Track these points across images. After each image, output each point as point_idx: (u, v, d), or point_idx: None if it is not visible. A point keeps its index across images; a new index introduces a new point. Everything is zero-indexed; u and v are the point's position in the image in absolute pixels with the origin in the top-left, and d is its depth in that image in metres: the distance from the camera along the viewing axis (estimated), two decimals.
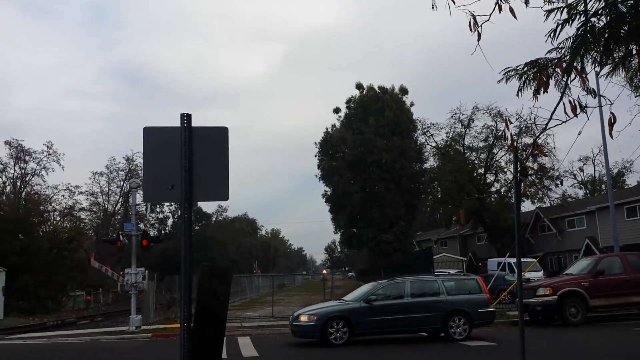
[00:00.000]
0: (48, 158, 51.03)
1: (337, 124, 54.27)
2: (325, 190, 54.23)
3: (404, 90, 53.83)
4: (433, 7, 5.00)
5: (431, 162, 54.85)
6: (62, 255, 35.55)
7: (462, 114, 50.77)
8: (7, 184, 49.70)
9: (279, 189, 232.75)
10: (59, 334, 20.34)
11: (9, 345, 17.20)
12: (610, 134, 5.17)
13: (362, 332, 14.32)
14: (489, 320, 15.33)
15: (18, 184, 50.76)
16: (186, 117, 4.88)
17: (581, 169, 68.17)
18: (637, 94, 6.02)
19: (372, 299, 14.64)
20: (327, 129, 54.50)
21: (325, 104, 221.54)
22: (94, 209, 59.56)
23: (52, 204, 50.74)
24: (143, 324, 20.62)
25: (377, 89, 53.10)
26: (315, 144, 54.55)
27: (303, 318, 14.55)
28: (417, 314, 14.50)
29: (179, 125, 4.87)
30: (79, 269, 38.00)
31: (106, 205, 60.99)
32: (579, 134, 6.60)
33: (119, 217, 59.29)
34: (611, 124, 5.05)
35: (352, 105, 53.47)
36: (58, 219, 49.30)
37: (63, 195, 53.38)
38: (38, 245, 34.12)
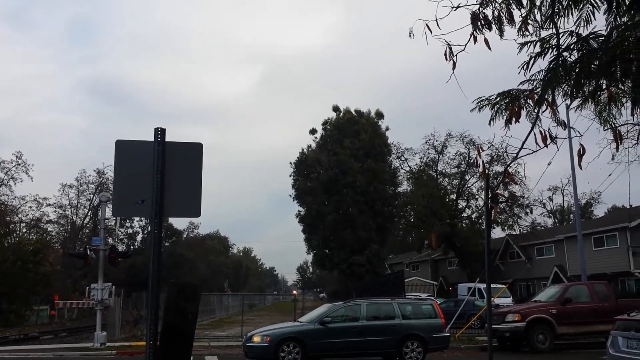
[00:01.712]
0: (17, 168, 49.87)
1: (313, 145, 54.54)
2: (299, 210, 54.17)
3: (379, 115, 54.51)
4: (410, 35, 5.10)
5: (404, 186, 55.38)
6: (26, 268, 34.61)
7: (436, 140, 51.49)
8: None
9: (252, 208, 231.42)
10: (21, 348, 19.79)
11: None
12: (580, 165, 5.30)
13: (316, 354, 14.21)
14: (444, 345, 15.43)
15: None
16: (160, 132, 4.83)
17: (550, 199, 69.55)
18: (606, 128, 6.19)
19: (327, 321, 14.59)
20: (302, 149, 54.71)
21: (301, 125, 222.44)
22: (62, 222, 58.24)
23: (19, 215, 49.45)
24: (108, 341, 20.16)
25: (353, 112, 53.67)
26: (291, 163, 54.65)
27: (256, 339, 14.40)
28: (372, 337, 14.48)
29: (152, 139, 4.82)
30: (43, 283, 36.99)
31: (74, 218, 59.75)
32: (548, 164, 6.76)
33: (87, 230, 58.07)
34: (580, 155, 5.17)
35: (328, 127, 53.88)
36: (24, 230, 48.02)
37: (30, 207, 52.11)
38: (2, 256, 33.18)
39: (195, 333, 4.25)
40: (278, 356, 13.83)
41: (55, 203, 56.04)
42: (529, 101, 5.24)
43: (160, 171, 4.73)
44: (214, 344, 20.04)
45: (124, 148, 4.90)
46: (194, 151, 4.97)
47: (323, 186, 50.64)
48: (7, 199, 49.44)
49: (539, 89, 5.07)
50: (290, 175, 54.64)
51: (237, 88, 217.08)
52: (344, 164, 49.37)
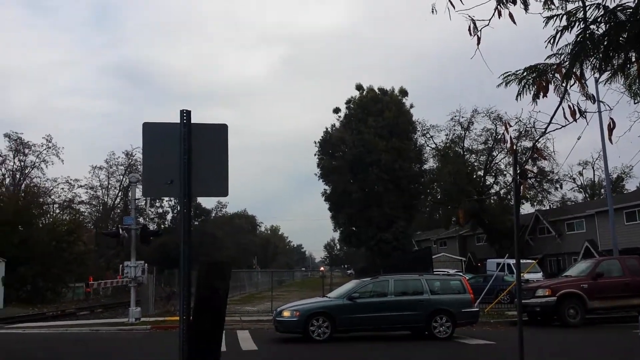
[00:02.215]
0: (47, 151, 51.07)
1: (337, 124, 54.42)
2: (324, 189, 54.38)
3: (403, 92, 53.95)
4: (433, 11, 5.05)
5: (430, 164, 54.95)
6: (61, 247, 35.63)
7: (462, 117, 50.78)
8: (6, 176, 49.78)
9: (279, 187, 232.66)
10: (58, 324, 20.47)
11: (8, 334, 17.31)
12: (610, 139, 5.21)
13: (345, 328, 14.44)
14: (473, 320, 15.49)
15: (17, 176, 50.82)
16: (185, 114, 4.92)
17: (580, 173, 68.15)
18: (636, 101, 6.05)
19: (355, 297, 14.76)
20: (326, 128, 54.69)
21: (325, 104, 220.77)
22: (94, 203, 59.58)
23: (52, 197, 50.78)
24: (142, 316, 20.72)
25: (377, 91, 53.23)
26: (315, 143, 54.71)
27: (286, 313, 14.68)
28: (400, 312, 14.61)
29: (178, 121, 4.91)
30: (77, 262, 38.07)
31: (105, 199, 61.03)
32: (578, 139, 6.65)
33: (119, 210, 59.27)
34: (610, 129, 5.09)
35: (352, 105, 53.60)
36: (57, 211, 49.33)
37: (62, 188, 53.44)
38: (37, 237, 34.21)
39: (226, 308, 4.38)
40: (308, 330, 14.07)
41: (86, 184, 57.36)
42: (557, 75, 5.15)
43: (187, 152, 4.84)
44: (245, 319, 20.46)
45: (151, 130, 5.01)
46: (219, 132, 5.06)
47: (348, 165, 50.61)
48: (40, 181, 50.85)
49: (567, 63, 4.98)
50: (315, 155, 54.79)
51: (259, 69, 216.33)
52: (369, 143, 49.18)
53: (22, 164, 50.94)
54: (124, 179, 57.37)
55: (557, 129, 5.16)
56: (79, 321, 22.31)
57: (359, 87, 54.02)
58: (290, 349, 13.47)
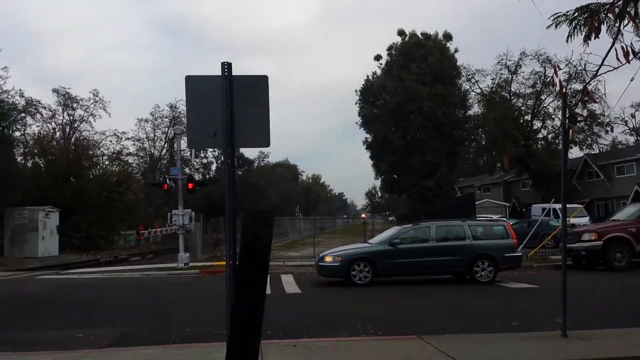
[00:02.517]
0: (94, 105, 52.17)
1: (378, 72, 53.45)
2: (366, 137, 54.06)
3: (447, 37, 52.21)
4: None
5: (475, 109, 53.58)
6: (111, 197, 36.93)
7: (509, 60, 48.89)
8: (56, 130, 51.34)
9: (320, 136, 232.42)
10: (111, 269, 21.49)
11: (65, 279, 18.37)
12: None
13: (385, 273, 14.69)
14: (515, 264, 15.50)
15: (67, 130, 52.36)
16: (227, 66, 4.97)
17: (633, 116, 65.05)
18: None
19: (396, 242, 14.92)
20: (367, 76, 53.80)
21: (365, 52, 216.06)
22: (141, 154, 61.04)
23: (101, 149, 52.22)
24: (191, 262, 21.56)
25: (419, 36, 51.71)
26: (356, 91, 54.02)
27: (328, 259, 14.99)
28: (442, 257, 14.72)
29: (219, 74, 4.97)
30: (128, 211, 39.52)
31: (152, 151, 62.43)
32: (631, 80, 6.37)
33: (165, 161, 60.64)
34: None
35: (394, 52, 52.35)
36: (107, 163, 50.85)
37: (110, 141, 54.82)
38: (88, 188, 35.48)
39: (270, 254, 4.54)
40: (349, 274, 14.40)
41: (133, 137, 58.65)
42: (610, 15, 4.93)
43: (230, 104, 4.92)
44: (289, 264, 21.03)
45: (193, 84, 5.10)
46: (260, 83, 5.11)
47: (390, 112, 49.97)
48: (89, 134, 52.27)
49: (620, 2, 4.75)
50: (356, 103, 54.23)
51: (299, 17, 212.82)
52: (411, 90, 48.23)
53: (71, 118, 52.38)
54: (169, 130, 58.35)
55: (608, 71, 5.00)
56: (131, 266, 23.37)
57: (400, 33, 52.61)
58: (333, 292, 13.85)
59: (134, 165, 57.48)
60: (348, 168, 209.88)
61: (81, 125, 52.52)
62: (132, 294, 14.58)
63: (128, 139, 57.30)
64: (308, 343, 7.21)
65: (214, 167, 73.04)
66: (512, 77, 49.83)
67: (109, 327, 9.16)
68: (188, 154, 58.93)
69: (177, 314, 10.63)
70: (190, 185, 21.72)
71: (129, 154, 56.66)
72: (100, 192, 35.92)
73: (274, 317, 8.69)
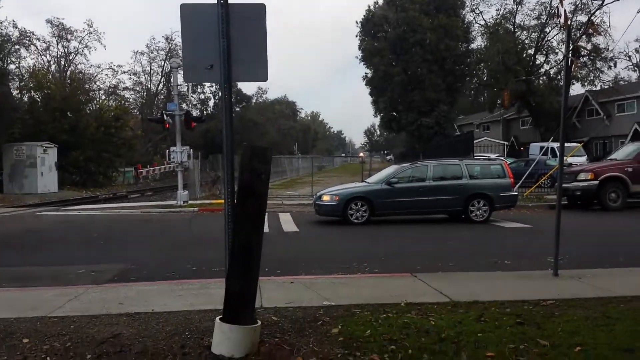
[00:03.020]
0: (89, 37, 50.96)
1: (380, 1, 51.82)
2: (366, 73, 53.24)
3: None
4: None
5: (478, 42, 52.50)
6: (109, 133, 36.67)
7: None
8: (51, 62, 50.37)
9: (319, 72, 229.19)
10: (111, 206, 21.63)
11: (65, 216, 18.51)
12: None
13: (382, 212, 14.82)
14: (511, 203, 15.62)
15: (62, 62, 51.36)
16: None
17: (637, 50, 63.85)
18: None
19: (394, 182, 14.97)
20: (369, 7, 52.29)
21: None
22: (137, 89, 60.25)
23: (97, 83, 51.42)
24: (190, 199, 21.67)
25: None
26: (357, 23, 52.65)
27: (326, 198, 15.07)
28: (438, 197, 14.80)
29: (215, 1, 4.75)
30: (126, 147, 39.38)
31: (149, 85, 61.58)
32: (638, 12, 6.15)
33: (162, 97, 59.96)
34: None
35: None
36: (103, 97, 50.24)
37: (107, 75, 54.56)
38: (85, 123, 35.14)
39: (268, 192, 4.50)
40: (347, 214, 14.53)
41: (129, 70, 57.97)
42: None
43: (226, 35, 4.73)
44: (287, 202, 21.17)
45: (189, 12, 4.88)
46: (257, 13, 4.88)
47: (391, 46, 48.91)
48: (84, 67, 51.33)
49: None
50: (356, 36, 53.06)
51: None
52: (413, 21, 46.99)
53: (66, 50, 51.21)
54: (166, 64, 57.37)
55: (615, 0, 4.78)
56: (130, 203, 23.50)
57: None
58: (330, 230, 13.98)
59: (130, 100, 56.90)
60: (347, 105, 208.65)
61: (76, 57, 51.52)
62: (132, 231, 14.73)
63: (124, 72, 56.92)
64: (305, 280, 7.33)
65: (211, 103, 72.47)
66: (517, 7, 48.64)
67: (110, 263, 9.27)
68: (185, 89, 58.24)
69: (176, 251, 10.76)
70: (189, 123, 21.49)
71: (125, 88, 55.95)
72: (98, 128, 35.64)
73: (272, 254, 8.79)
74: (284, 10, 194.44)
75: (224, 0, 4.71)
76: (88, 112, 38.39)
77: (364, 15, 51.97)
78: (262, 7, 4.90)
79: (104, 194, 29.96)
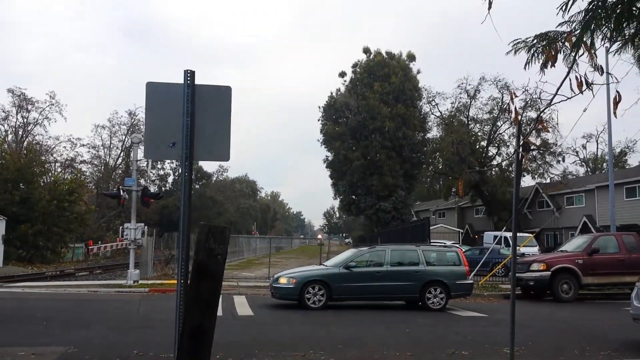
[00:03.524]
0: (50, 108, 50.69)
1: (342, 89, 53.86)
2: (326, 155, 54.23)
3: (411, 57, 53.21)
4: None
5: (434, 132, 54.69)
6: (62, 206, 35.67)
7: (469, 85, 50.44)
8: (9, 132, 49.61)
9: (281, 152, 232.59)
10: (57, 284, 20.63)
11: (8, 293, 17.48)
12: (615, 113, 5.14)
13: (340, 297, 14.60)
14: (466, 292, 15.63)
15: (20, 132, 50.61)
16: (189, 74, 4.83)
17: (584, 147, 67.93)
18: None
19: (352, 265, 14.87)
20: (331, 93, 54.12)
21: (330, 67, 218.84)
22: (95, 162, 59.48)
23: (54, 155, 50.68)
24: (141, 279, 20.90)
25: (384, 54, 52.46)
26: (319, 107, 54.25)
27: (283, 280, 14.79)
28: (396, 282, 14.74)
29: (182, 82, 4.82)
30: (78, 222, 38.21)
31: (107, 159, 60.92)
32: (584, 111, 6.55)
33: (120, 171, 59.23)
34: (616, 103, 5.01)
35: (358, 69, 52.93)
36: (59, 170, 49.27)
37: (64, 147, 53.40)
38: (38, 195, 34.21)
39: (224, 273, 4.37)
40: (303, 297, 14.24)
41: (88, 144, 57.19)
42: (566, 44, 5.04)
43: (190, 114, 4.76)
44: (242, 284, 20.64)
45: (154, 90, 4.92)
46: (223, 94, 4.96)
47: (351, 131, 50.35)
48: (42, 138, 50.69)
49: (577, 32, 4.86)
50: (318, 120, 54.40)
51: (267, 28, 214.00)
52: (373, 109, 48.77)
53: (25, 120, 50.69)
54: (127, 139, 57.10)
55: (562, 100, 5.08)
56: (77, 282, 22.49)
57: (366, 51, 53.29)
58: (286, 315, 13.61)
59: (87, 173, 55.94)
60: (308, 187, 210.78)
61: (35, 128, 50.89)
62: (77, 311, 13.97)
63: (83, 145, 55.92)
64: None
65: (170, 179, 71.89)
66: (470, 101, 51.34)
67: (52, 345, 8.70)
68: (145, 165, 57.81)
69: (123, 334, 10.21)
70: (146, 199, 21.14)
71: (83, 161, 55.20)
72: (51, 201, 34.66)
73: (224, 339, 8.44)
74: (251, 91, 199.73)
75: (190, 81, 4.79)
76: (42, 184, 37.48)
77: (327, 101, 53.72)
78: (228, 89, 5.00)
79: (51, 270, 28.66)
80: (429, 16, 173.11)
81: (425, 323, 12.56)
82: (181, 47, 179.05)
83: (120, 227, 22.44)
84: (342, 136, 50.91)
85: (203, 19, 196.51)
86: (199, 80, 4.86)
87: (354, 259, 15.26)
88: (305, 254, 48.88)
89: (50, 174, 42.61)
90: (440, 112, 53.60)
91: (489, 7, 4.97)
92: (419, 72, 53.25)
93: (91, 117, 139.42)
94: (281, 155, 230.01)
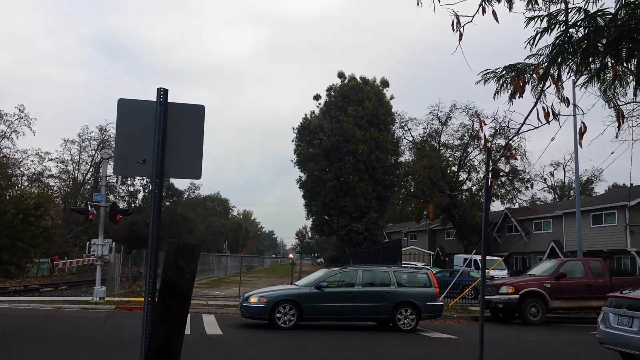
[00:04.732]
0: (19, 122, 49.73)
1: (317, 111, 54.22)
2: (300, 176, 54.27)
3: (385, 83, 54.02)
4: (418, 4, 5.05)
5: (406, 156, 55.38)
6: (27, 221, 34.83)
7: (441, 111, 51.47)
8: None
9: (254, 171, 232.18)
10: (21, 299, 20.09)
11: None
12: (580, 143, 5.31)
13: (311, 317, 14.55)
14: (437, 313, 15.74)
15: None
16: (162, 92, 4.82)
17: (552, 174, 69.43)
18: (610, 106, 6.18)
19: (323, 285, 14.86)
20: (306, 115, 54.41)
21: (306, 90, 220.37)
22: (64, 177, 58.32)
23: (21, 169, 49.57)
24: (107, 296, 20.49)
25: (358, 79, 53.18)
26: (293, 129, 54.43)
27: (253, 299, 14.67)
28: (367, 303, 14.77)
29: (154, 99, 4.82)
30: (44, 237, 37.31)
31: (76, 174, 59.77)
32: (551, 140, 6.75)
33: (89, 187, 58.13)
34: (582, 133, 5.17)
35: (333, 93, 53.47)
36: (26, 184, 48.18)
37: (32, 161, 52.20)
38: (3, 209, 33.36)
39: (193, 291, 4.34)
40: (274, 317, 14.12)
41: (57, 158, 56.09)
42: (534, 76, 5.20)
43: (162, 132, 4.75)
44: (212, 303, 20.37)
45: (126, 107, 4.90)
46: (196, 113, 4.97)
47: (325, 153, 50.60)
48: (9, 152, 49.50)
49: (545, 65, 5.03)
50: (292, 141, 54.55)
51: (242, 49, 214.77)
52: (347, 132, 49.21)
53: None
54: (96, 154, 56.19)
55: (530, 129, 5.23)
56: (42, 297, 21.92)
57: (340, 75, 53.97)
58: (255, 335, 13.47)
59: (55, 188, 54.76)
60: (280, 206, 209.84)
61: (2, 141, 49.75)
62: (41, 328, 13.60)
63: (51, 159, 54.80)
64: None
65: (140, 195, 70.79)
66: (442, 128, 52.30)
67: None
68: (114, 180, 56.86)
69: (86, 353, 9.95)
70: (115, 215, 20.79)
71: (51, 176, 54.06)
72: (16, 215, 33.80)
73: (191, 359, 8.29)
74: (226, 110, 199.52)
75: (163, 99, 4.79)
76: (7, 197, 36.55)
77: (301, 123, 53.98)
78: (201, 108, 5.00)
79: (14, 285, 27.83)
80: (401, 44, 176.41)
81: (396, 344, 12.57)
82: (154, 65, 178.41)
83: (88, 243, 21.99)
84: (315, 157, 51.12)
85: (177, 38, 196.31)
86: (173, 98, 4.86)
87: (325, 278, 15.23)
88: (277, 273, 48.54)
89: (16, 188, 41.61)
90: (413, 137, 54.45)
91: (460, 39, 5.13)
92: (392, 97, 54.08)
93: (61, 132, 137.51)
94: (254, 175, 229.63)
